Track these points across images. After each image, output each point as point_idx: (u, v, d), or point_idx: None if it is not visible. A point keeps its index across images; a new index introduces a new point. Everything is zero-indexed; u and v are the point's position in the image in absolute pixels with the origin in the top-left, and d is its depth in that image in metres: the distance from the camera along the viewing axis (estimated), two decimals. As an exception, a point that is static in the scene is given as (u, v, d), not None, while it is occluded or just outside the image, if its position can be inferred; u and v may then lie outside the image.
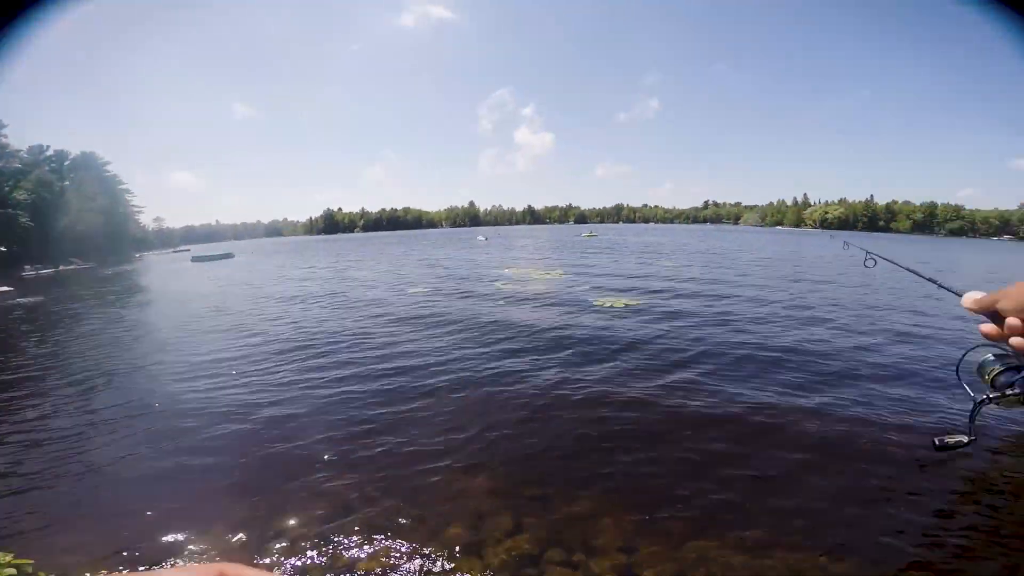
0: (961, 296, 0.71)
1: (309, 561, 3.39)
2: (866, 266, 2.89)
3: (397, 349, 8.84)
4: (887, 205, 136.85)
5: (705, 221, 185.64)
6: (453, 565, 3.31)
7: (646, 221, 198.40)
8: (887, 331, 9.74)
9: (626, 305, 12.69)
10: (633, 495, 4.10)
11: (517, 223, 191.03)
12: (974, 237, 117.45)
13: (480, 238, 66.83)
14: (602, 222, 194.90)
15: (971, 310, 0.67)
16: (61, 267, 45.04)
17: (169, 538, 3.66)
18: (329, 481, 4.41)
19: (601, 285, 16.98)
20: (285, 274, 25.73)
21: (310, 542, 3.56)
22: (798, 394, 6.29)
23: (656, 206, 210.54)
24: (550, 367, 7.54)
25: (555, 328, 10.14)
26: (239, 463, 4.86)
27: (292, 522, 3.81)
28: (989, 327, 0.64)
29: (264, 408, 6.20)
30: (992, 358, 2.31)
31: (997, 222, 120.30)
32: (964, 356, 2.47)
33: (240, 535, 3.67)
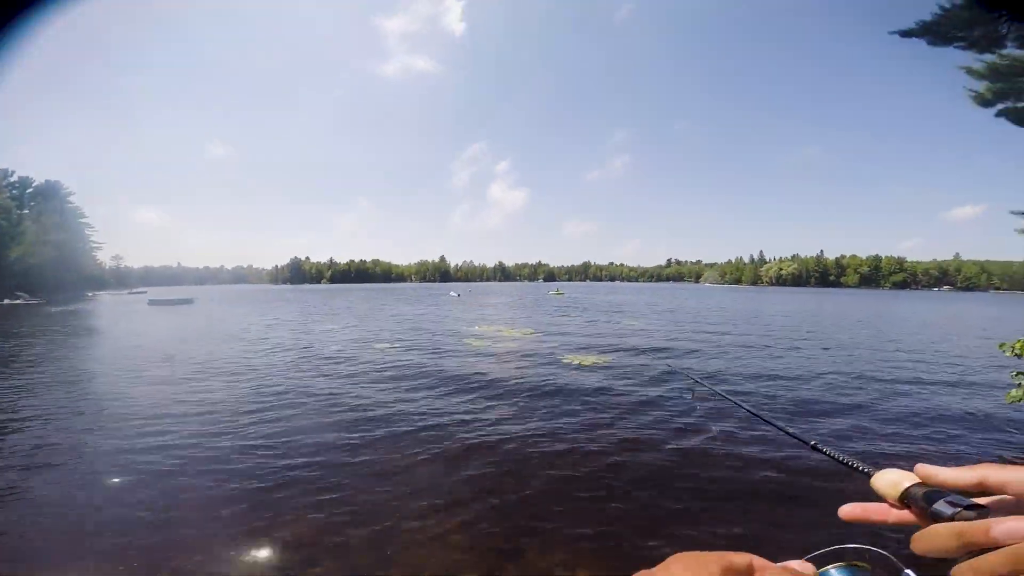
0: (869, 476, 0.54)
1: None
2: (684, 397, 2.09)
3: (369, 405, 8.71)
4: (836, 260, 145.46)
5: (668, 279, 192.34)
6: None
7: (612, 279, 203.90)
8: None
9: (594, 363, 12.94)
10: (607, 549, 4.14)
11: (488, 279, 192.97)
12: (916, 288, 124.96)
13: (453, 294, 67.50)
14: (570, 279, 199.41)
15: (932, 481, 0.47)
16: (6, 300, 42.25)
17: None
18: (290, 531, 4.26)
19: (570, 343, 17.28)
20: (248, 324, 24.99)
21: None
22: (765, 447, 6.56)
23: (621, 264, 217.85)
24: (523, 421, 7.59)
25: (526, 384, 10.24)
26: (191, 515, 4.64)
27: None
28: (904, 514, 0.48)
29: (204, 464, 5.97)
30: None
31: (936, 272, 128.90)
32: None
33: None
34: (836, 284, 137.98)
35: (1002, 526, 0.38)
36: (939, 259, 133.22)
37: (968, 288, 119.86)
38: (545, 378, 10.57)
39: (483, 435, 6.90)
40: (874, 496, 0.51)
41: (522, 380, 10.31)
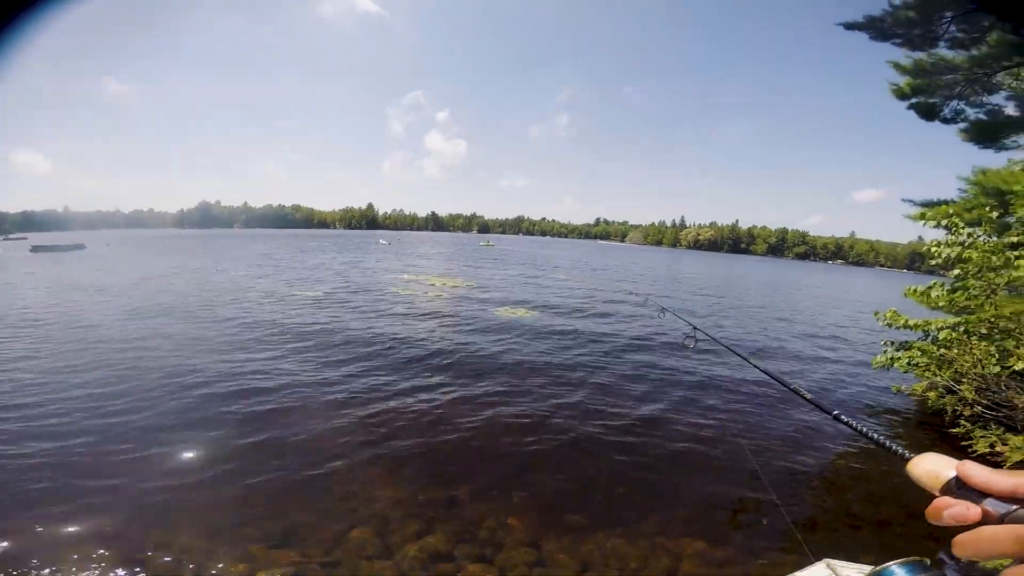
0: (907, 460, 0.51)
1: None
2: (685, 345, 2.58)
3: (289, 362, 8.40)
4: (749, 229, 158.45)
5: (596, 237, 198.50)
6: (364, 569, 3.35)
7: (543, 234, 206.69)
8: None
9: (524, 315, 13.28)
10: (535, 495, 4.43)
11: (419, 229, 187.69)
12: (815, 260, 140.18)
13: (382, 241, 65.64)
14: (504, 232, 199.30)
15: (971, 482, 0.43)
16: None
17: None
18: (214, 494, 4.15)
19: (501, 295, 17.52)
20: (146, 272, 22.71)
21: (197, 556, 3.36)
22: (686, 405, 7.19)
23: (554, 220, 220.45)
24: (450, 375, 7.72)
25: (454, 336, 10.33)
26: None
27: (183, 537, 3.56)
28: (963, 508, 0.42)
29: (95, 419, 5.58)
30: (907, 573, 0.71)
31: (833, 247, 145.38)
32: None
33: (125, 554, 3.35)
34: (746, 252, 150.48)
35: None
36: (837, 236, 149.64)
37: (858, 263, 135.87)
38: (471, 331, 10.71)
39: (412, 390, 6.94)
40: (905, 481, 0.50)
41: (450, 333, 10.38)
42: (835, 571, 1.01)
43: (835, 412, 0.77)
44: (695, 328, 2.48)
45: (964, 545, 0.41)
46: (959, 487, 0.44)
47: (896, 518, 4.35)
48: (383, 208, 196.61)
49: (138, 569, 3.27)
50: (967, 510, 0.41)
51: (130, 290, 15.84)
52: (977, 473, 0.43)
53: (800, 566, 1.81)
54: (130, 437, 5.09)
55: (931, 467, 0.47)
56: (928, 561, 0.47)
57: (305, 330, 10.38)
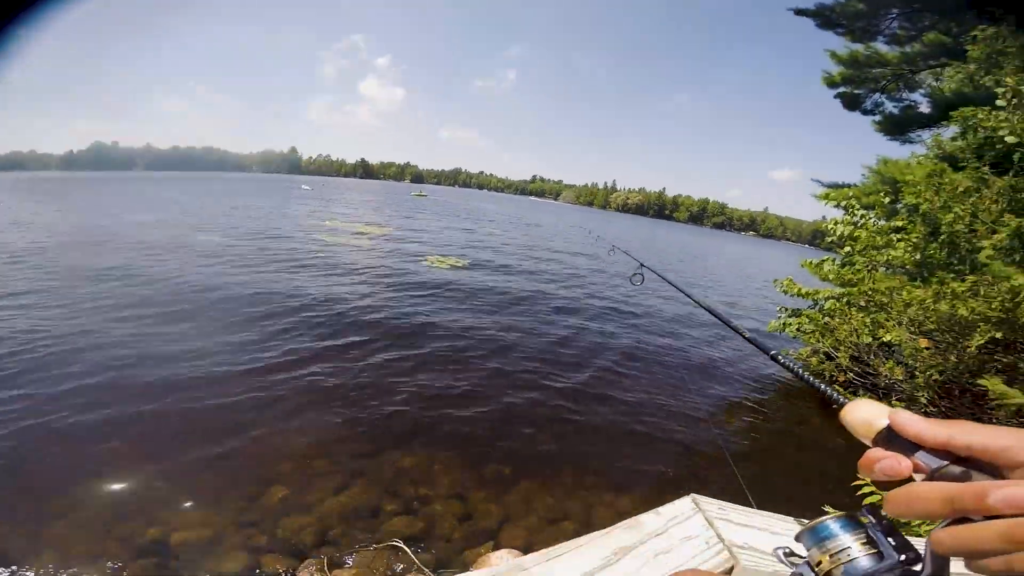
0: (841, 405, 0.48)
1: (111, 536, 3.02)
2: (632, 283, 2.45)
3: (190, 324, 7.80)
4: (674, 198, 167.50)
5: (531, 194, 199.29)
6: (283, 525, 3.31)
7: (480, 188, 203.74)
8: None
9: (452, 266, 13.19)
10: (458, 447, 4.55)
11: (346, 175, 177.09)
12: (730, 231, 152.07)
13: (305, 187, 61.92)
14: (439, 184, 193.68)
15: (904, 433, 0.40)
16: None
17: None
18: (117, 448, 3.87)
19: (427, 244, 17.23)
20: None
21: (106, 514, 3.15)
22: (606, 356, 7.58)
23: (491, 175, 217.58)
24: (370, 326, 7.55)
25: (378, 292, 10.08)
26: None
27: (83, 495, 3.30)
28: (894, 462, 0.39)
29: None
30: (841, 528, 0.49)
31: (747, 220, 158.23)
32: None
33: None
34: (669, 218, 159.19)
35: (1001, 492, 0.32)
36: (752, 209, 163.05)
37: (768, 236, 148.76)
38: (397, 280, 10.49)
39: (326, 339, 6.74)
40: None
41: (374, 282, 10.10)
42: (698, 504, 1.14)
43: (772, 351, 0.76)
44: (642, 265, 2.53)
45: (895, 503, 0.38)
46: (891, 438, 0.40)
47: (819, 464, 4.98)
48: (307, 153, 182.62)
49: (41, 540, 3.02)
50: (898, 463, 0.38)
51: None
52: (909, 422, 0.39)
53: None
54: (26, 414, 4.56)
55: (865, 414, 0.44)
56: (865, 519, 0.43)
57: (212, 284, 9.45)
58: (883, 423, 0.42)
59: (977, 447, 0.36)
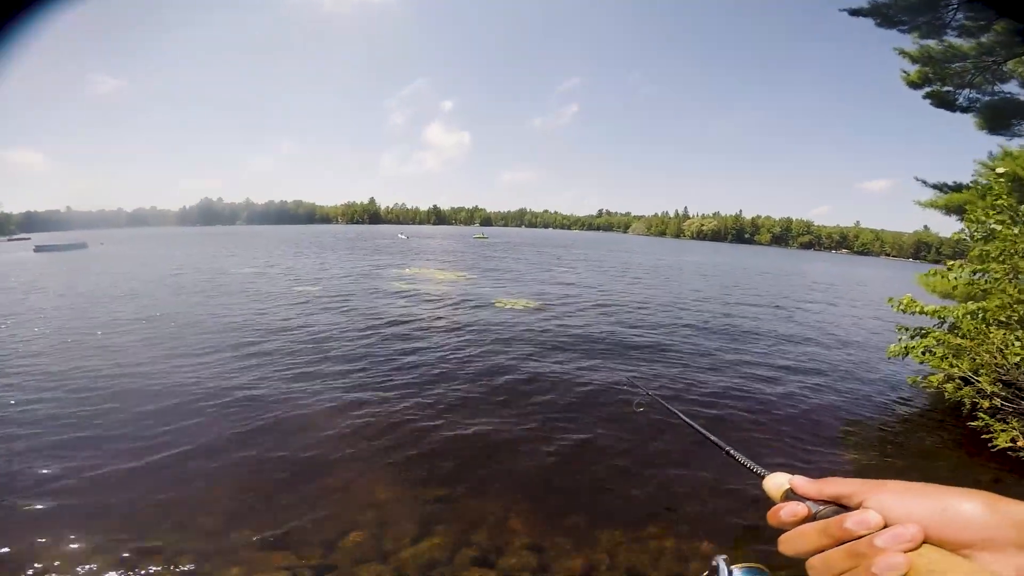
0: (763, 478, 0.58)
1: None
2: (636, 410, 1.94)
3: (277, 366, 8.25)
4: (752, 219, 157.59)
5: (599, 228, 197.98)
6: (359, 571, 3.19)
7: (546, 226, 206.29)
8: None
9: (525, 307, 13.10)
10: (538, 494, 4.25)
11: (421, 223, 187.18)
12: (819, 250, 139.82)
13: (401, 236, 65.78)
14: (506, 225, 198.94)
15: (797, 490, 0.51)
16: None
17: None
18: (206, 494, 4.00)
19: (503, 288, 17.34)
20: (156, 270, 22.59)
21: (190, 558, 3.21)
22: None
23: (556, 212, 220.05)
24: (449, 371, 7.55)
25: (459, 329, 10.16)
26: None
27: (176, 540, 3.41)
28: (793, 507, 0.49)
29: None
30: None
31: (838, 237, 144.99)
32: None
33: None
34: (750, 241, 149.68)
35: (854, 517, 0.44)
36: (842, 225, 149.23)
37: (862, 253, 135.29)
38: (474, 323, 10.52)
39: (409, 385, 6.77)
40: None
41: (453, 326, 10.20)
42: None
43: (727, 449, 0.75)
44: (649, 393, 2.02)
45: (787, 542, 0.48)
46: (790, 496, 0.52)
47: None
48: (384, 202, 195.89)
49: (130, 572, 3.13)
50: (796, 507, 0.49)
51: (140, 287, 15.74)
52: (800, 483, 0.52)
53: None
54: (127, 438, 4.96)
55: (776, 482, 0.56)
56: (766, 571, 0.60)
57: (314, 333, 10.19)
58: (787, 486, 0.53)
59: (837, 494, 0.47)
